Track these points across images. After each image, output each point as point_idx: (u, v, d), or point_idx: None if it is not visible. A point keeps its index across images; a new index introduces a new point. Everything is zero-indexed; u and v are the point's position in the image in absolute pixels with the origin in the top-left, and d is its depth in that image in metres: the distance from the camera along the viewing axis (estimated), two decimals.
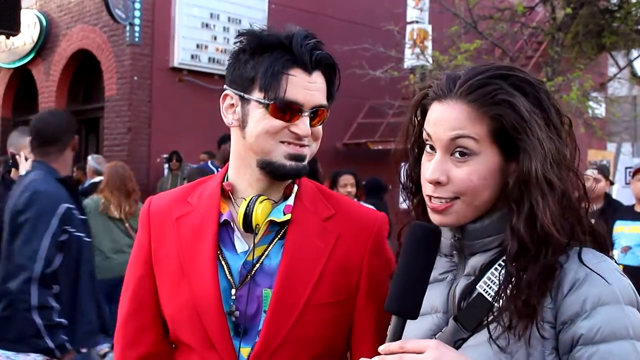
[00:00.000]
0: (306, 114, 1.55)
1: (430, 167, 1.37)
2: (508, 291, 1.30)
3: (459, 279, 1.41)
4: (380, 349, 1.21)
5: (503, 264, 1.35)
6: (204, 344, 1.57)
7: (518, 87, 1.34)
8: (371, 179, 8.64)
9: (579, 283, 1.28)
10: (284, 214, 1.62)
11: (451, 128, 1.35)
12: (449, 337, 1.35)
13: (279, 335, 1.55)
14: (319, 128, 1.61)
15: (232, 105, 1.61)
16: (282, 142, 1.56)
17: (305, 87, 1.54)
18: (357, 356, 1.60)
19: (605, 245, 1.39)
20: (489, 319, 1.32)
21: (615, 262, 1.39)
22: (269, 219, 1.59)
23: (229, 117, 1.62)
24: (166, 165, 11.28)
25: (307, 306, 1.56)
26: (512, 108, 1.32)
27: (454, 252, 1.44)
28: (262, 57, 1.55)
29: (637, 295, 1.31)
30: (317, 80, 1.57)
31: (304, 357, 1.58)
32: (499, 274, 1.35)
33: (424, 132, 1.41)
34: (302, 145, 1.57)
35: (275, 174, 1.58)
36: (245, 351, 1.56)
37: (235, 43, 1.60)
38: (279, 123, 1.54)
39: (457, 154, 1.35)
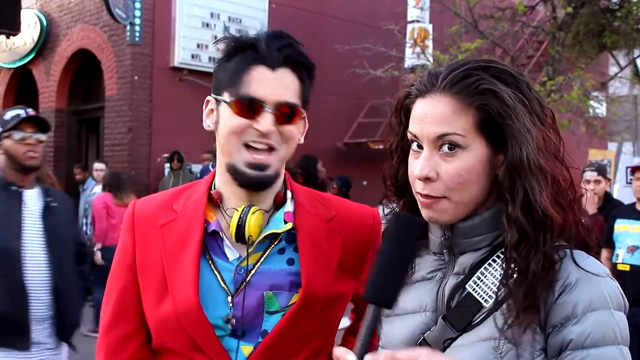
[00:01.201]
0: (269, 109, 1.52)
1: (419, 163, 1.35)
2: (511, 281, 1.28)
3: (448, 277, 1.39)
4: (368, 358, 1.17)
5: (493, 263, 1.35)
6: (192, 349, 1.56)
7: (499, 77, 1.34)
8: (341, 177, 8.75)
9: (571, 287, 1.27)
10: (285, 222, 1.61)
11: (437, 124, 1.33)
12: (437, 337, 1.34)
13: (290, 334, 1.57)
14: (290, 129, 1.56)
15: (212, 110, 1.62)
16: (247, 145, 1.54)
17: (268, 83, 1.53)
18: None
19: (590, 241, 1.38)
20: (479, 319, 1.31)
21: (600, 260, 1.39)
22: (269, 231, 1.59)
23: (207, 122, 1.63)
24: (167, 165, 11.26)
25: (321, 309, 1.59)
26: (496, 96, 1.30)
27: (444, 250, 1.41)
28: (233, 60, 1.56)
29: (625, 298, 1.31)
30: (284, 77, 1.55)
31: (305, 352, 1.61)
32: (489, 273, 1.34)
33: (409, 133, 1.39)
34: (267, 150, 1.54)
35: (239, 182, 1.57)
36: (247, 349, 1.56)
37: (218, 49, 1.62)
38: (242, 121, 1.53)
39: (445, 149, 1.33)
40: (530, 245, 1.29)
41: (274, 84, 1.53)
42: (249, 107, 1.52)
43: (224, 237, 1.61)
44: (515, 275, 1.29)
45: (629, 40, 11.81)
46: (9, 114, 3.54)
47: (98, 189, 9.07)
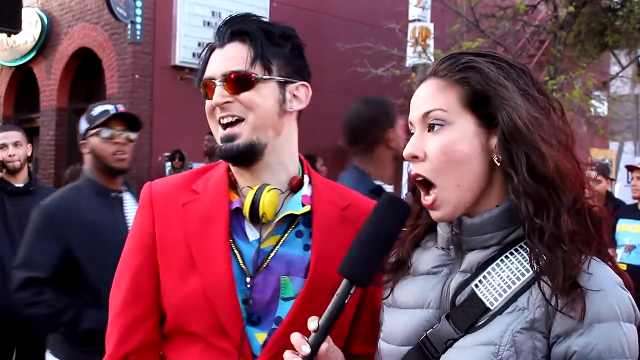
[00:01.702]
0: (218, 83, 1.58)
1: (408, 144, 1.37)
2: (544, 258, 1.24)
3: (454, 274, 1.37)
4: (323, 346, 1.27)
5: (501, 263, 1.32)
6: (214, 331, 1.55)
7: (494, 63, 1.34)
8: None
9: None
10: (303, 205, 1.62)
11: (423, 103, 1.36)
12: (440, 335, 1.32)
13: (301, 321, 1.55)
14: (247, 95, 1.57)
15: None
16: (220, 123, 1.60)
17: (216, 60, 1.61)
18: (351, 339, 1.68)
19: (601, 240, 1.32)
20: (482, 321, 1.28)
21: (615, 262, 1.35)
22: (287, 212, 1.60)
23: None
24: (168, 164, 11.27)
25: (331, 293, 1.58)
26: (480, 72, 1.31)
27: (451, 246, 1.40)
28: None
29: (636, 309, 1.27)
30: (230, 50, 1.60)
31: None
32: (496, 273, 1.31)
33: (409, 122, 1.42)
34: (235, 123, 1.58)
35: (226, 160, 1.64)
36: (261, 337, 1.57)
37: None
38: (207, 103, 1.62)
39: (431, 128, 1.34)
40: (551, 207, 1.25)
41: (220, 59, 1.60)
42: (207, 87, 1.60)
43: (246, 216, 1.61)
44: (545, 250, 1.24)
45: (631, 40, 11.78)
46: (97, 110, 3.22)
47: None
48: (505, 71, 1.33)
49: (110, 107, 3.17)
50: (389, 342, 1.44)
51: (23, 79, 14.58)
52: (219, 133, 1.60)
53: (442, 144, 1.32)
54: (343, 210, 1.67)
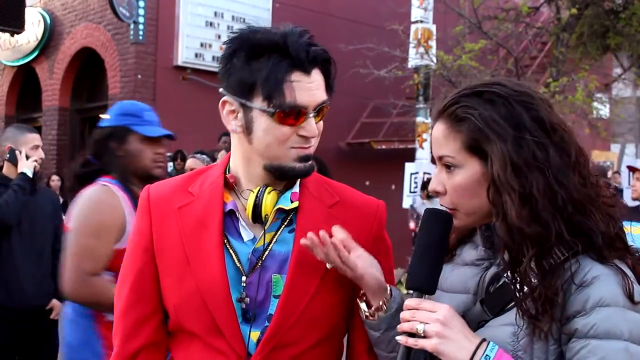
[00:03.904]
0: (311, 115, 1.55)
1: (432, 179, 1.56)
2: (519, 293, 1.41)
3: (492, 267, 1.53)
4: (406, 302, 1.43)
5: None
6: (210, 330, 1.58)
7: (490, 100, 1.46)
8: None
9: (585, 285, 1.36)
10: (291, 202, 1.64)
11: (436, 146, 1.53)
12: (474, 317, 1.48)
13: (291, 319, 1.59)
14: (321, 124, 1.62)
15: (233, 111, 1.60)
16: (292, 147, 1.57)
17: (307, 88, 1.54)
18: (355, 339, 1.72)
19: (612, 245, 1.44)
20: (509, 306, 1.43)
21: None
22: (277, 206, 1.62)
23: (232, 124, 1.61)
24: (170, 164, 11.27)
25: (317, 290, 1.61)
26: (470, 122, 1.45)
27: (487, 245, 1.55)
28: (259, 62, 1.52)
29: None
30: (316, 78, 1.56)
31: (310, 340, 1.62)
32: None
33: None
34: (309, 146, 1.59)
35: (284, 176, 1.61)
36: (255, 335, 1.59)
37: (226, 45, 1.58)
38: (287, 129, 1.54)
39: (446, 167, 1.51)
40: (516, 258, 1.41)
41: (311, 89, 1.55)
42: (293, 116, 1.54)
43: (240, 217, 1.63)
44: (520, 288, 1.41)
45: (633, 42, 11.79)
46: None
47: None
48: (502, 109, 1.45)
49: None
50: None
51: (25, 78, 14.61)
52: (289, 156, 1.57)
53: (454, 184, 1.50)
54: (330, 208, 1.68)
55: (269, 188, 1.61)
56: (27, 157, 4.21)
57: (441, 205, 1.55)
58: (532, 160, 1.40)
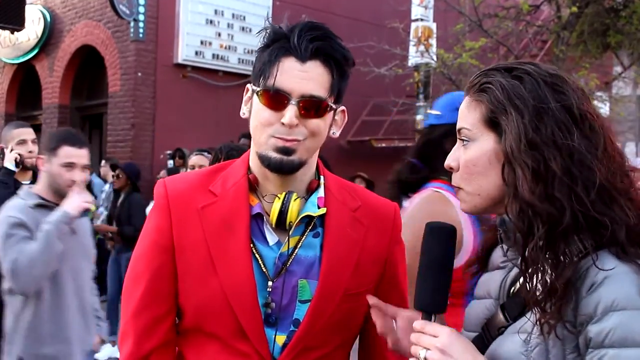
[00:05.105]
0: (293, 102, 1.52)
1: (449, 155, 1.52)
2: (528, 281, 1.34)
3: (514, 268, 1.46)
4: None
5: None
6: (233, 333, 1.56)
7: (518, 77, 1.41)
8: (128, 164, 8.51)
9: (596, 286, 1.27)
10: (319, 207, 1.63)
11: (459, 120, 1.49)
12: (494, 323, 1.43)
13: (319, 323, 1.58)
14: (315, 122, 1.56)
15: (249, 98, 1.63)
16: (274, 136, 1.54)
17: (295, 75, 1.52)
18: (376, 338, 1.69)
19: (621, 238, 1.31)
20: (527, 311, 1.36)
21: None
22: (304, 213, 1.60)
23: (244, 109, 1.64)
24: (170, 162, 11.27)
25: (343, 295, 1.61)
26: (491, 93, 1.41)
27: (506, 240, 1.50)
28: (267, 50, 1.57)
29: None
30: (313, 69, 1.54)
31: (333, 343, 1.64)
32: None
33: None
34: (292, 140, 1.54)
35: (266, 166, 1.58)
36: (280, 339, 1.58)
37: (260, 38, 1.62)
38: (269, 114, 1.54)
39: (463, 142, 1.48)
40: (526, 241, 1.34)
41: (300, 76, 1.53)
42: (275, 99, 1.53)
43: (266, 220, 1.61)
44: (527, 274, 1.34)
45: (633, 40, 11.76)
46: None
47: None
48: (523, 86, 1.39)
49: None
50: (465, 329, 1.55)
51: (25, 76, 14.60)
52: (269, 142, 1.55)
53: (466, 159, 1.46)
54: (354, 212, 1.67)
55: (294, 195, 1.59)
56: (12, 151, 4.24)
57: (452, 185, 1.52)
58: (550, 138, 1.34)
